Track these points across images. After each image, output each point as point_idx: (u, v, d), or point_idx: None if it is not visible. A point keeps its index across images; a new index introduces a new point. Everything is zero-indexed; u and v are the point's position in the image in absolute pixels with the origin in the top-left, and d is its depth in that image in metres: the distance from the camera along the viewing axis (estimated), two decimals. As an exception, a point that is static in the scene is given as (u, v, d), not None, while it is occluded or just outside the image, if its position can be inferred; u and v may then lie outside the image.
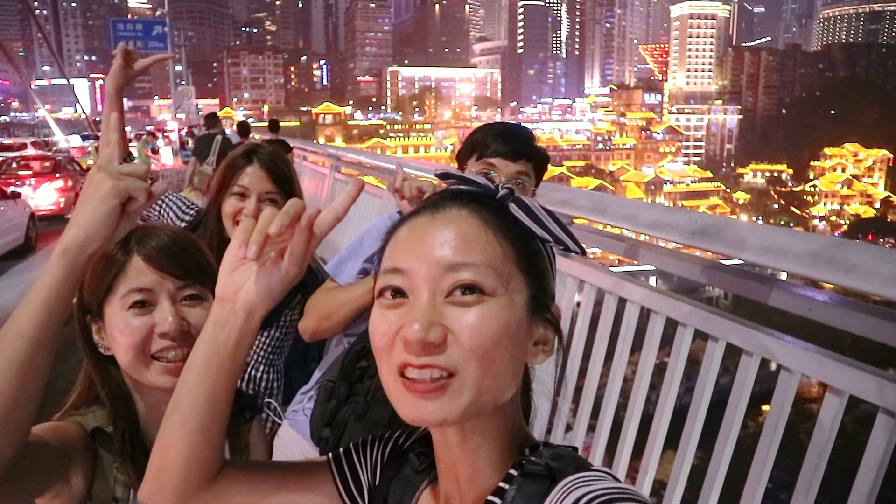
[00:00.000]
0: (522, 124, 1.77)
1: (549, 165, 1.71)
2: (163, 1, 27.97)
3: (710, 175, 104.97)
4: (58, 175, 14.17)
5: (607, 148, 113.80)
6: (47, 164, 14.78)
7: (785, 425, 1.60)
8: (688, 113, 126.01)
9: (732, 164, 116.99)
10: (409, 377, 0.63)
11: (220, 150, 7.91)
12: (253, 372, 1.87)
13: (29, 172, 14.20)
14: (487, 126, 1.70)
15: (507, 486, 0.67)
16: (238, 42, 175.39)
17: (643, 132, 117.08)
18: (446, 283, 0.64)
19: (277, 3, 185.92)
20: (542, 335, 0.70)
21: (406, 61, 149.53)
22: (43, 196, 13.59)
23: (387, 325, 0.65)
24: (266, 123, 11.15)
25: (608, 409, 2.28)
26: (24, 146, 24.14)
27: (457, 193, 0.70)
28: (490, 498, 0.67)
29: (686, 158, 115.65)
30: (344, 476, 0.84)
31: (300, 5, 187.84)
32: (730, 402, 1.73)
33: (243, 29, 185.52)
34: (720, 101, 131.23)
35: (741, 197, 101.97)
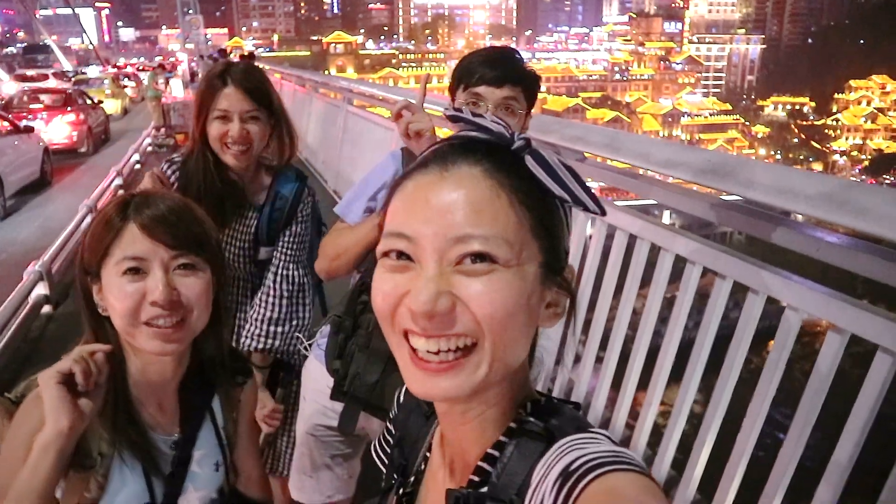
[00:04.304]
0: (509, 48, 1.67)
1: (540, 88, 1.64)
2: (167, -76, 27.01)
3: (730, 107, 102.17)
4: (69, 108, 14.07)
5: (624, 79, 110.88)
6: (58, 97, 14.66)
7: (787, 362, 1.64)
8: (709, 42, 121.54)
9: (753, 97, 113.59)
10: (415, 348, 0.61)
11: None
12: (284, 271, 1.91)
13: (40, 106, 14.10)
14: (473, 53, 1.63)
15: (506, 440, 0.66)
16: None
17: (662, 62, 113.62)
18: (454, 253, 0.59)
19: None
20: (553, 298, 0.66)
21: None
22: (56, 130, 13.53)
23: (391, 286, 0.61)
24: (276, 54, 12.12)
25: (616, 342, 2.33)
26: (45, 77, 23.84)
27: (469, 146, 0.64)
28: (490, 451, 0.67)
29: (705, 90, 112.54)
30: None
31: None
32: (734, 340, 1.76)
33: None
34: (743, 31, 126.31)
35: (760, 130, 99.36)
